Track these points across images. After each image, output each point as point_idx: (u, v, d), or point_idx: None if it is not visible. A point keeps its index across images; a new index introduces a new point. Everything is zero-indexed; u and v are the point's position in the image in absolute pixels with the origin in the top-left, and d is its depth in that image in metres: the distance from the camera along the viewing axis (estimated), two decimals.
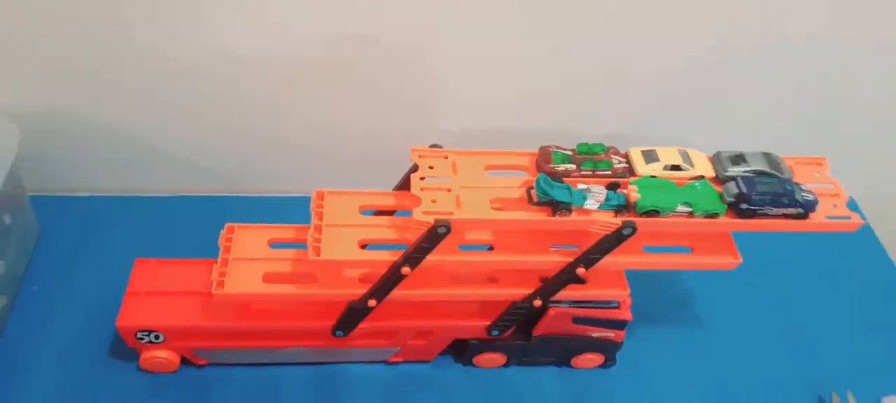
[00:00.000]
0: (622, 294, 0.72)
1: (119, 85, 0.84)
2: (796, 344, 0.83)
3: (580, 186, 0.62)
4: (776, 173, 0.66)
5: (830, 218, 0.65)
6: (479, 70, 0.86)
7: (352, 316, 0.69)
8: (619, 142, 0.69)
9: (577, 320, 0.73)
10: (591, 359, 0.78)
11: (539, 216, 0.62)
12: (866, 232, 0.95)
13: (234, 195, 0.94)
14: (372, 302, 0.67)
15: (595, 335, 0.75)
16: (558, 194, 0.60)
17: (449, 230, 0.60)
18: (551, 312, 0.72)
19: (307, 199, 0.69)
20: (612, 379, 0.79)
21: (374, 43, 0.82)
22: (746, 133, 0.89)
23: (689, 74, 0.88)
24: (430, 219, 0.60)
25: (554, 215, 0.61)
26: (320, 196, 0.69)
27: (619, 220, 0.61)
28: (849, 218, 0.65)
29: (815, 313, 0.87)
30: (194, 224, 0.85)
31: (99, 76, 0.83)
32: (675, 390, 0.78)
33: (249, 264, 0.69)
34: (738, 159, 0.67)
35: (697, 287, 0.89)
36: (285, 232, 0.72)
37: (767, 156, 0.67)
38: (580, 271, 0.66)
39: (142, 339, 0.71)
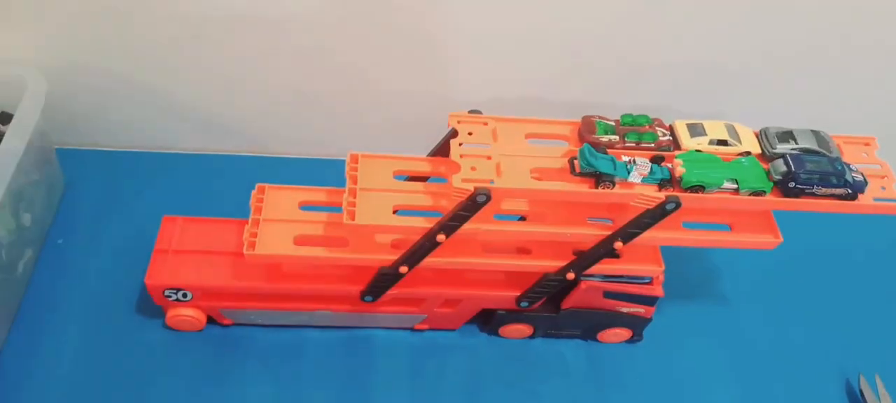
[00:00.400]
0: (656, 270, 0.71)
1: (147, 39, 0.82)
2: (824, 326, 0.82)
3: (624, 158, 0.60)
4: (824, 152, 0.64)
5: (878, 200, 0.63)
6: (513, 36, 0.83)
7: (381, 281, 0.68)
8: (656, 115, 0.67)
9: (608, 294, 0.72)
10: (619, 334, 0.77)
11: (581, 187, 0.60)
12: None
13: (265, 155, 0.93)
14: (403, 269, 0.66)
15: (625, 310, 0.74)
16: (602, 165, 0.59)
17: (489, 198, 0.58)
18: (583, 285, 0.71)
19: (338, 162, 0.68)
20: (637, 354, 0.78)
21: (408, 3, 0.80)
22: (785, 109, 0.87)
23: (728, 47, 0.85)
24: (470, 187, 0.58)
25: (597, 187, 0.60)
26: (355, 159, 0.68)
27: (662, 195, 0.60)
28: None
29: (844, 294, 0.86)
30: (222, 183, 0.85)
31: (127, 30, 0.80)
32: (699, 368, 0.77)
33: (281, 225, 0.68)
34: (786, 136, 0.65)
35: (725, 263, 0.87)
36: (317, 194, 0.71)
37: (816, 134, 0.65)
38: (617, 245, 0.65)
39: (169, 297, 0.70)
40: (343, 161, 0.68)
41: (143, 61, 0.84)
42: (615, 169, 0.59)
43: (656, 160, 0.61)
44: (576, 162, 0.60)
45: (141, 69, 0.85)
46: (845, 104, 0.91)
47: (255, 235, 0.66)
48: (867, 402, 0.75)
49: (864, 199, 0.63)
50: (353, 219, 0.62)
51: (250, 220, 0.67)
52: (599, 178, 0.59)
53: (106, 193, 0.86)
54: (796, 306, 0.84)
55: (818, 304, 0.85)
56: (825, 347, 0.80)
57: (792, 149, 0.64)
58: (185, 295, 0.70)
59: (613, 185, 0.60)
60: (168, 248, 0.71)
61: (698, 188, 0.60)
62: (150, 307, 0.72)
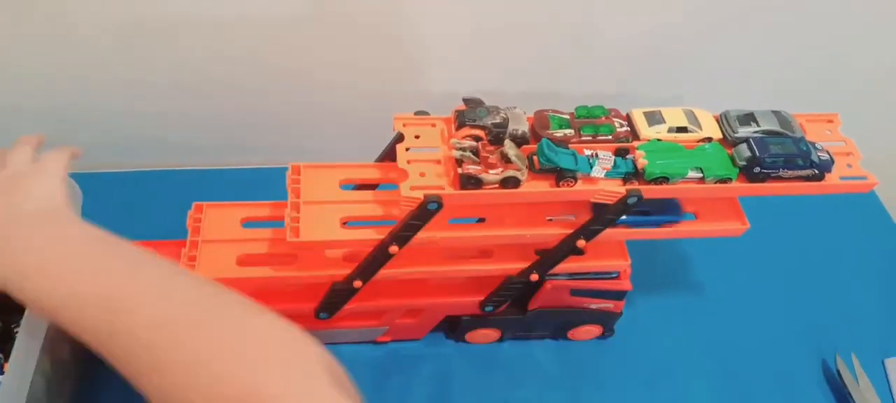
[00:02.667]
0: (622, 264, 0.68)
1: (67, 44, 0.76)
2: (799, 308, 0.82)
3: (586, 152, 0.57)
4: (788, 132, 0.62)
5: (845, 178, 0.61)
6: (459, 28, 0.80)
7: (335, 297, 0.65)
8: (608, 102, 0.64)
9: (575, 292, 0.70)
10: (589, 331, 0.75)
11: (541, 186, 0.57)
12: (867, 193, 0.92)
13: (201, 169, 0.88)
14: (357, 283, 0.62)
15: (593, 306, 0.72)
16: (563, 161, 0.55)
17: (440, 206, 0.55)
18: (548, 285, 0.68)
19: (281, 171, 0.64)
20: (609, 349, 0.76)
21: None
22: (741, 88, 0.85)
23: (672, 30, 0.83)
24: (420, 195, 0.54)
25: (558, 184, 0.56)
26: (296, 170, 0.63)
27: (624, 189, 0.56)
28: (865, 178, 0.61)
29: (817, 276, 0.85)
30: (156, 202, 0.80)
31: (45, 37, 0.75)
32: (675, 357, 0.76)
33: (222, 246, 0.64)
34: (748, 119, 0.62)
35: (695, 250, 0.86)
36: (260, 209, 0.67)
37: (777, 115, 0.63)
38: (580, 243, 0.62)
39: None
40: (286, 169, 0.63)
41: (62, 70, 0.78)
42: (577, 163, 0.56)
43: (620, 153, 0.58)
44: (535, 158, 0.56)
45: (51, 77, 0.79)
46: (802, 77, 0.89)
47: (193, 259, 0.62)
48: (845, 382, 0.74)
49: (831, 178, 0.61)
50: (297, 236, 0.58)
51: (188, 242, 0.63)
52: (560, 174, 0.56)
53: None
54: (769, 290, 0.83)
55: (791, 287, 0.84)
56: (800, 330, 0.79)
57: (754, 132, 0.61)
58: None
59: (575, 181, 0.56)
60: None
61: (662, 179, 0.57)
62: None
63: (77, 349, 0.66)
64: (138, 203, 0.82)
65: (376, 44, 0.81)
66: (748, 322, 0.80)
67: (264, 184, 0.68)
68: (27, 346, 0.54)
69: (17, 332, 0.55)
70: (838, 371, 0.75)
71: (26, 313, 0.56)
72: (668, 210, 0.64)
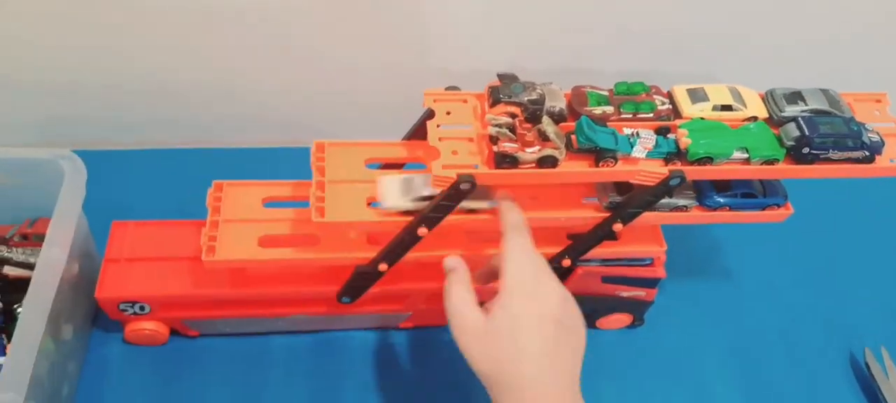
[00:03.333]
0: (657, 250, 0.66)
1: (87, 25, 0.74)
2: (828, 298, 0.79)
3: (626, 131, 0.54)
4: (837, 112, 0.59)
5: None
6: (484, 2, 0.76)
7: (359, 281, 0.62)
8: (642, 80, 0.61)
9: (606, 279, 0.67)
10: (619, 320, 0.73)
11: (579, 166, 0.54)
12: None
13: (221, 147, 0.85)
14: (383, 267, 0.60)
15: (625, 294, 0.69)
16: (603, 140, 0.52)
17: (474, 186, 0.52)
18: (579, 271, 0.66)
19: (303, 151, 0.62)
20: (637, 340, 0.74)
21: None
22: (782, 68, 0.82)
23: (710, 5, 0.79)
24: (452, 174, 0.52)
25: (597, 164, 0.54)
26: (320, 148, 0.61)
27: (665, 170, 0.54)
28: None
29: (847, 266, 0.83)
30: (176, 180, 0.78)
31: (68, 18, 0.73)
32: (699, 347, 0.74)
33: (242, 226, 0.61)
34: (795, 97, 0.59)
35: (725, 237, 0.84)
36: (282, 188, 0.64)
37: (826, 93, 0.60)
38: (616, 227, 0.59)
39: (125, 311, 0.64)
40: (309, 149, 0.61)
41: (81, 47, 0.76)
42: (617, 143, 0.53)
43: (661, 132, 0.55)
44: (573, 137, 0.54)
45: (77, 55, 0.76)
46: (846, 58, 0.86)
47: (214, 238, 0.60)
48: (874, 376, 0.71)
49: (882, 161, 0.58)
50: (322, 217, 0.56)
51: (208, 222, 0.61)
52: (600, 155, 0.53)
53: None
54: (798, 280, 0.81)
55: (820, 277, 0.81)
56: (828, 321, 0.77)
57: (802, 111, 0.58)
58: (142, 308, 0.64)
59: (616, 162, 0.54)
60: (119, 257, 0.65)
61: (706, 159, 0.54)
62: (109, 320, 0.66)
63: (81, 329, 0.65)
64: (159, 181, 0.80)
65: (398, 20, 0.78)
66: (776, 311, 0.77)
67: (286, 163, 0.66)
68: (30, 326, 0.52)
69: (19, 312, 0.53)
70: (867, 365, 0.72)
71: (29, 293, 0.54)
72: (774, 193, 0.61)
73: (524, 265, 0.51)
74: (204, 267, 0.60)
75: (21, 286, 0.58)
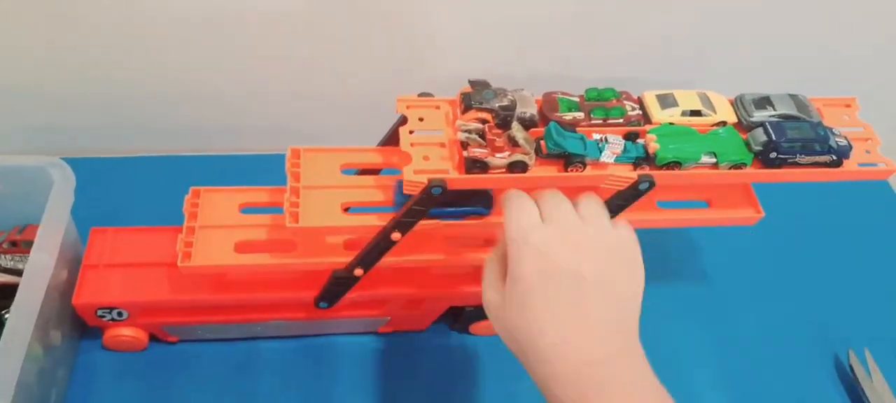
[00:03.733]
0: None
1: (69, 36, 0.74)
2: (811, 300, 0.80)
3: (595, 136, 0.55)
4: (805, 117, 0.59)
5: (864, 165, 0.59)
6: (464, 8, 0.77)
7: (336, 285, 0.63)
8: (618, 86, 0.61)
9: None
10: None
11: (549, 171, 0.55)
12: (881, 183, 0.90)
13: (198, 154, 0.86)
14: (359, 271, 0.61)
15: None
16: (571, 145, 0.53)
17: (445, 191, 0.53)
18: None
19: (280, 157, 0.62)
20: None
21: None
22: (753, 74, 0.83)
23: (685, 15, 0.81)
24: (423, 179, 0.52)
25: (566, 169, 0.54)
26: (296, 154, 0.62)
27: (634, 174, 0.54)
28: (883, 165, 0.59)
29: (830, 268, 0.83)
30: (154, 187, 0.78)
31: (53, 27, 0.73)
32: (683, 350, 0.74)
33: (219, 232, 0.62)
34: (763, 102, 0.60)
35: (706, 240, 0.84)
36: (258, 194, 0.65)
37: (794, 98, 0.61)
38: None
39: (103, 317, 0.64)
40: (286, 154, 0.62)
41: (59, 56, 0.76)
42: (586, 148, 0.54)
43: (630, 137, 0.56)
44: (542, 142, 0.54)
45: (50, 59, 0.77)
46: (818, 63, 0.87)
47: (190, 244, 0.60)
48: (857, 378, 0.72)
49: (850, 165, 0.59)
50: (296, 222, 0.56)
51: (184, 228, 0.61)
52: (569, 160, 0.54)
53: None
54: (781, 281, 0.81)
55: (803, 279, 0.82)
56: (812, 323, 0.78)
57: (770, 117, 0.59)
58: (120, 314, 0.64)
59: (584, 167, 0.54)
60: (98, 263, 0.65)
61: (674, 164, 0.55)
62: (88, 327, 0.66)
63: (69, 336, 0.65)
64: (135, 188, 0.81)
65: (378, 26, 0.79)
66: (759, 314, 0.78)
67: (263, 169, 0.67)
68: (18, 332, 0.52)
69: (7, 317, 0.54)
70: (851, 367, 0.73)
71: (16, 299, 0.54)
72: (476, 201, 0.59)
73: (520, 217, 0.46)
74: (180, 274, 0.60)
75: (9, 292, 0.58)
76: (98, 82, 0.80)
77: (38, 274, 0.56)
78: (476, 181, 0.54)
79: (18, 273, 0.62)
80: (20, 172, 0.64)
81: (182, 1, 0.73)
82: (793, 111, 0.59)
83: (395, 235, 0.57)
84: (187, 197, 0.64)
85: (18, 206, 0.66)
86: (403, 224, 0.56)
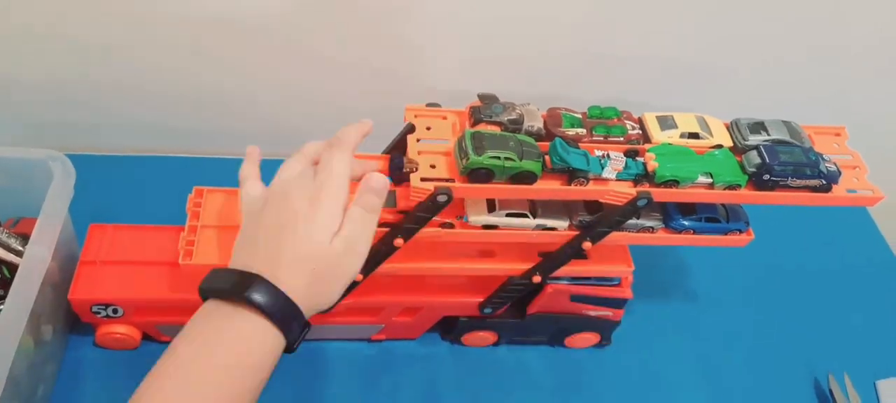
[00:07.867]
0: (625, 270, 0.67)
1: (71, 34, 0.74)
2: (793, 324, 0.81)
3: (597, 153, 0.56)
4: (797, 142, 0.62)
5: (852, 191, 0.61)
6: (472, 24, 0.79)
7: None
8: (619, 107, 0.63)
9: (575, 298, 0.69)
10: (586, 339, 0.74)
11: (553, 184, 0.56)
12: (861, 212, 0.93)
13: (202, 156, 0.86)
14: (358, 277, 0.61)
15: (593, 314, 0.71)
16: (575, 161, 0.55)
17: (450, 198, 0.54)
18: (549, 289, 0.67)
19: (281, 162, 0.62)
20: (605, 359, 0.75)
21: None
22: (750, 102, 0.85)
23: (694, 41, 0.83)
24: (430, 186, 0.53)
25: (570, 183, 0.56)
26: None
27: (634, 190, 0.56)
28: (870, 192, 0.61)
29: (812, 293, 0.85)
30: (158, 187, 0.78)
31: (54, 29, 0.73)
32: (667, 370, 0.75)
33: (221, 232, 0.62)
34: (758, 127, 0.62)
35: (692, 260, 0.86)
36: None
37: (787, 124, 0.63)
38: (586, 245, 0.61)
39: (98, 313, 0.64)
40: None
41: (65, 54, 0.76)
42: (589, 164, 0.55)
43: (630, 155, 0.57)
44: (546, 157, 0.56)
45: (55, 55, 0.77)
46: (811, 93, 0.90)
47: (192, 243, 0.60)
48: (837, 401, 0.73)
49: (838, 191, 0.61)
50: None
51: (187, 227, 0.61)
52: (572, 174, 0.55)
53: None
54: (766, 305, 0.83)
55: (786, 303, 0.83)
56: (794, 347, 0.79)
57: (764, 141, 0.61)
58: (115, 311, 0.64)
59: (587, 182, 0.56)
60: (95, 259, 0.65)
61: (672, 182, 0.57)
62: (81, 323, 0.66)
63: (59, 332, 0.65)
64: (140, 187, 0.81)
65: (383, 38, 0.80)
66: (742, 336, 0.79)
67: (267, 173, 0.67)
68: (11, 323, 0.52)
69: (0, 309, 0.53)
70: (831, 391, 0.74)
71: (11, 290, 0.54)
72: (736, 218, 0.63)
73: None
74: (178, 273, 0.60)
75: (4, 282, 0.58)
76: (101, 81, 0.80)
77: (34, 266, 0.55)
78: (480, 190, 0.55)
79: (19, 253, 0.61)
80: (18, 166, 0.63)
81: (185, 2, 0.73)
82: (786, 136, 0.62)
83: (398, 241, 0.58)
84: (191, 196, 0.64)
85: (12, 200, 0.66)
86: (407, 230, 0.57)
